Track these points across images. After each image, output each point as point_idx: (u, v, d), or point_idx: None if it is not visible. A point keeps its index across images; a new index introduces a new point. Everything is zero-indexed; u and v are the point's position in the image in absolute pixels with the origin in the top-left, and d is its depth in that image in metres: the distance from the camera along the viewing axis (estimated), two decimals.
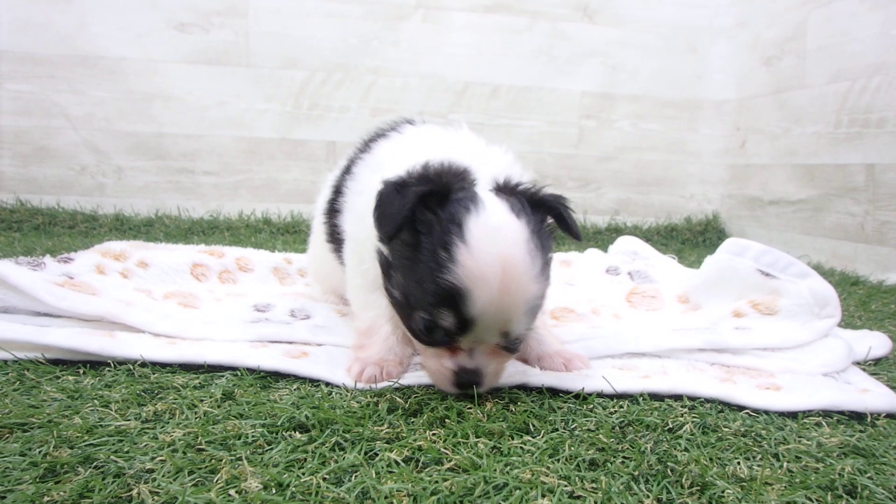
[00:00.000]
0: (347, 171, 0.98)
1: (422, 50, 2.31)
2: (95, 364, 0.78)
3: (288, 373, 0.77)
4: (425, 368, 0.78)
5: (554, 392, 0.75)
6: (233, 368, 0.77)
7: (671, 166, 2.48)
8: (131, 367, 0.77)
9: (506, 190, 0.76)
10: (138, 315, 0.91)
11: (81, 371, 0.76)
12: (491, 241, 0.68)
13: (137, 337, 0.87)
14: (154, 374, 0.76)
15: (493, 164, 0.82)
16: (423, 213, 0.71)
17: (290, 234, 2.27)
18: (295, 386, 0.74)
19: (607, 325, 1.00)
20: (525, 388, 0.75)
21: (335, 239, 0.99)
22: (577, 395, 0.74)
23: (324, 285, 1.20)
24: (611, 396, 0.74)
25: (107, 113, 2.20)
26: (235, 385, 0.73)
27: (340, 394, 0.72)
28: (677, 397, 0.74)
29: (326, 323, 0.96)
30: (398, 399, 0.70)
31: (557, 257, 1.58)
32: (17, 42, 2.13)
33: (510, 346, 0.72)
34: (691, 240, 2.37)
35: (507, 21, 2.35)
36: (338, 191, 0.99)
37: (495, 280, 0.67)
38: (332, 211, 0.99)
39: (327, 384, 0.75)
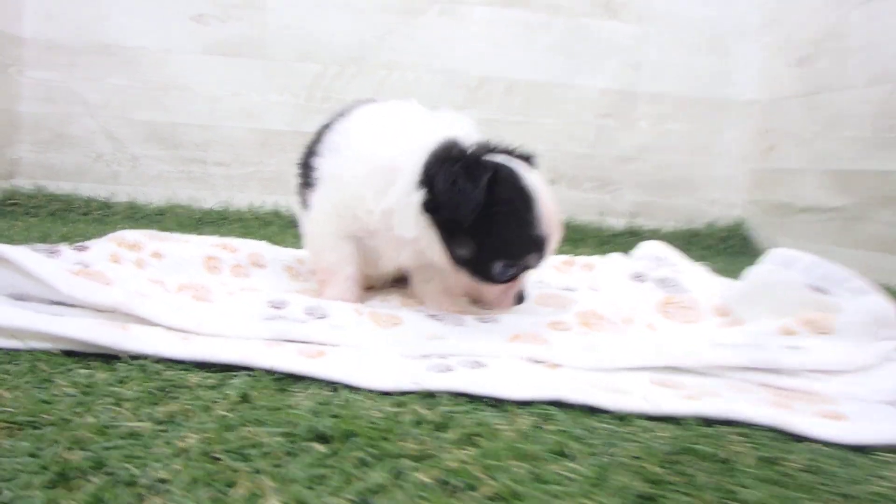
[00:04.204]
0: (327, 127, 1.08)
1: (437, 44, 2.27)
2: (108, 357, 0.75)
3: (305, 375, 0.74)
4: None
5: (590, 410, 0.70)
6: (248, 368, 0.74)
7: (694, 169, 2.42)
8: (144, 363, 0.74)
9: (499, 152, 0.94)
10: (152, 307, 0.88)
11: (94, 364, 0.74)
12: (545, 195, 0.91)
13: (151, 331, 0.84)
14: (167, 370, 0.73)
15: (470, 132, 0.98)
16: (490, 191, 0.87)
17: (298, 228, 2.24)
18: (313, 389, 0.71)
19: (643, 336, 0.95)
20: (557, 404, 0.69)
21: (306, 184, 1.07)
22: (614, 414, 0.69)
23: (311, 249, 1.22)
24: (653, 418, 0.68)
25: (123, 101, 2.19)
26: (251, 386, 0.70)
27: (360, 400, 0.69)
28: (729, 422, 0.68)
29: (343, 323, 0.92)
30: (423, 410, 0.66)
31: (579, 261, 1.53)
32: (40, 30, 2.13)
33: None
34: (714, 246, 2.30)
35: (526, 16, 2.29)
36: (317, 140, 1.07)
37: (556, 225, 0.92)
38: (311, 154, 1.07)
39: (345, 386, 0.71)
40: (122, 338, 0.77)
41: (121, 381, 0.69)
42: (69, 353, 0.76)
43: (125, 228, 1.95)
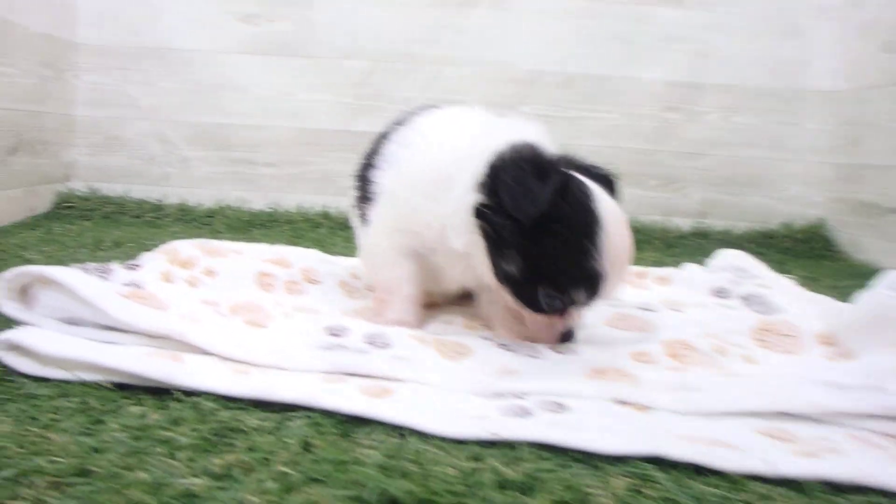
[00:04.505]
0: (384, 136, 1.01)
1: (490, 38, 2.17)
2: (160, 392, 0.72)
3: (370, 417, 0.67)
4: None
5: (693, 468, 0.60)
6: (307, 408, 0.69)
7: (767, 164, 2.24)
8: (198, 400, 0.70)
9: (577, 167, 0.85)
10: (206, 336, 0.84)
11: (146, 401, 0.70)
12: (619, 228, 0.79)
13: (205, 362, 0.80)
14: (223, 410, 0.68)
15: (545, 141, 0.89)
16: (555, 202, 0.77)
17: (349, 230, 2.20)
18: (378, 434, 0.65)
19: (742, 372, 0.83)
20: (656, 461, 0.60)
21: (364, 198, 1.01)
22: (723, 475, 0.58)
23: (369, 267, 1.17)
24: (769, 480, 0.58)
25: (174, 103, 2.20)
26: (313, 431, 0.64)
27: (432, 452, 0.62)
28: (858, 487, 0.57)
29: (408, 354, 0.85)
30: (503, 467, 0.58)
31: (652, 272, 1.41)
32: (94, 35, 2.16)
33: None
34: (792, 249, 2.11)
35: (584, 5, 2.16)
36: (374, 152, 1.01)
37: (622, 263, 0.80)
38: (368, 167, 1.01)
39: (413, 431, 0.64)
40: (176, 371, 0.73)
41: (174, 423, 0.65)
42: (121, 387, 0.73)
43: (176, 230, 1.98)
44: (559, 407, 0.71)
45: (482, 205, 0.83)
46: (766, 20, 2.17)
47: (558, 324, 0.87)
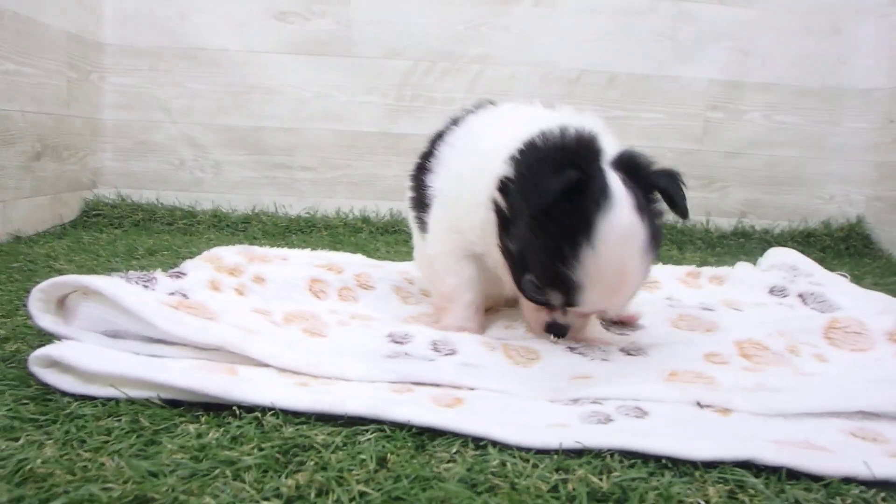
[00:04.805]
0: (439, 137, 0.99)
1: (533, 36, 2.13)
2: (218, 409, 0.66)
3: (446, 429, 0.62)
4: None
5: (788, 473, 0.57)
6: (377, 421, 0.64)
7: (807, 163, 2.23)
8: (259, 415, 0.64)
9: (628, 167, 0.78)
10: (262, 347, 0.79)
11: (202, 418, 0.65)
12: (615, 247, 0.72)
13: (263, 374, 0.75)
14: (287, 425, 0.63)
15: (602, 130, 0.83)
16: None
17: (390, 234, 2.15)
18: (456, 447, 0.60)
19: (817, 371, 0.81)
20: (749, 466, 0.57)
21: (420, 203, 0.99)
22: (816, 479, 0.55)
23: (426, 273, 1.14)
24: (865, 482, 0.55)
25: (206, 106, 2.13)
26: (386, 446, 0.60)
27: (516, 463, 0.57)
28: None
29: (476, 360, 0.81)
30: (594, 478, 0.54)
31: (705, 272, 1.40)
32: (121, 35, 2.08)
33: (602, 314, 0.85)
34: (832, 247, 2.11)
35: (626, 2, 2.13)
36: (429, 154, 0.98)
37: (610, 281, 0.74)
38: (423, 170, 0.98)
39: (492, 443, 0.60)
40: (233, 385, 0.67)
41: (236, 442, 0.60)
42: (173, 403, 0.67)
43: (211, 237, 1.91)
44: (641, 412, 0.69)
45: (506, 178, 0.80)
46: (807, 18, 2.15)
47: (545, 314, 0.85)
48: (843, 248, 2.13)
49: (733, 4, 2.13)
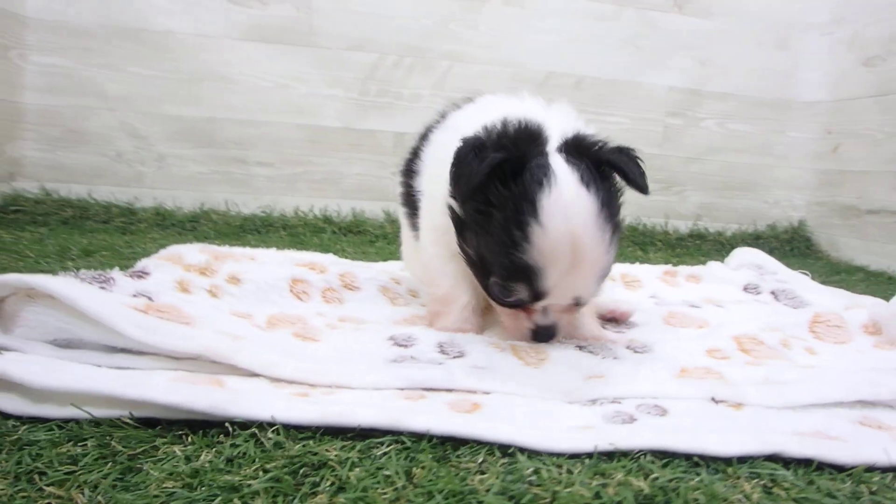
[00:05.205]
0: (424, 136, 0.98)
1: (502, 35, 2.09)
2: (204, 426, 0.57)
3: (469, 437, 0.58)
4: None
5: (811, 463, 0.58)
6: (392, 432, 0.58)
7: (758, 170, 2.34)
8: (257, 432, 0.56)
9: (574, 147, 0.76)
10: (252, 355, 0.70)
11: (188, 438, 0.56)
12: (563, 220, 0.70)
13: (252, 384, 0.67)
14: (290, 441, 0.56)
15: (561, 119, 0.82)
16: (495, 185, 0.72)
17: (354, 235, 2.05)
18: (482, 456, 0.55)
19: (811, 363, 0.83)
20: (777, 459, 0.57)
21: (410, 203, 0.97)
22: (840, 468, 0.57)
23: (415, 273, 1.12)
24: (886, 469, 0.57)
25: (148, 93, 1.93)
26: (407, 458, 0.54)
27: (549, 469, 0.53)
28: None
29: (487, 362, 0.77)
30: (634, 480, 0.52)
31: (681, 271, 1.44)
32: (48, 8, 1.84)
33: (580, 304, 0.79)
34: (778, 249, 2.24)
35: (594, 7, 2.14)
36: (415, 154, 0.97)
37: (567, 258, 0.71)
38: (409, 172, 0.97)
39: (520, 449, 0.56)
40: (223, 399, 0.58)
41: (234, 464, 0.52)
42: (147, 422, 0.57)
43: (155, 237, 1.73)
44: (661, 410, 0.68)
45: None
46: (760, 32, 2.25)
47: (524, 319, 0.81)
48: (788, 249, 2.26)
49: (693, 14, 2.19)
